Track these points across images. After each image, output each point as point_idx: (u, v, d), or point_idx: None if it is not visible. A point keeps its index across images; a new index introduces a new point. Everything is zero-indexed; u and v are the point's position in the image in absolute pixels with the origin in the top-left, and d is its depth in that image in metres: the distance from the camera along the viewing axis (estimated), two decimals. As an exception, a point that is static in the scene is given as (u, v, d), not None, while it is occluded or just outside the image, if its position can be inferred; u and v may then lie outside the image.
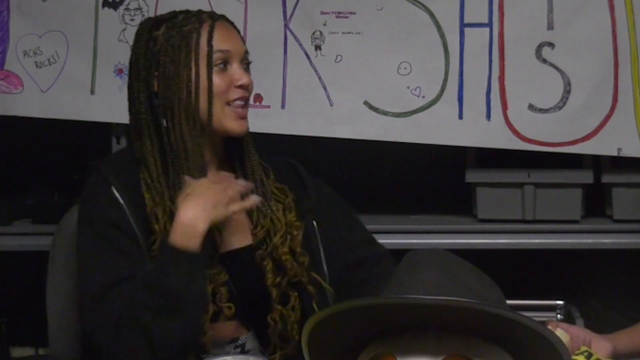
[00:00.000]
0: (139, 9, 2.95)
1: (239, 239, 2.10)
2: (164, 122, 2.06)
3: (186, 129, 2.05)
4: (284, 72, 2.93)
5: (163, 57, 2.05)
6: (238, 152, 2.15)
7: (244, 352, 2.07)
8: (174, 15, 2.11)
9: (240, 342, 2.09)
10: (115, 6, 2.96)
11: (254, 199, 2.06)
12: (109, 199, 2.04)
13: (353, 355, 1.49)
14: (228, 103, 2.07)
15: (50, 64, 2.99)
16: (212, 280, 2.01)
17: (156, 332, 1.91)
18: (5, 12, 2.99)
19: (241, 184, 2.06)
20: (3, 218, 3.11)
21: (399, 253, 1.67)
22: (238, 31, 2.15)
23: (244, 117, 2.10)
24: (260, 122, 2.84)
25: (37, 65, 2.99)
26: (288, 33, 2.92)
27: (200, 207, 1.96)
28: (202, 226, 1.95)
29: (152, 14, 2.92)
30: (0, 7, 2.99)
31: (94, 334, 1.98)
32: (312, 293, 2.10)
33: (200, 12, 2.12)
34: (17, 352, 3.36)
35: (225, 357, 1.80)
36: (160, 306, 1.90)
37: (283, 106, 2.93)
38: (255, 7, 2.91)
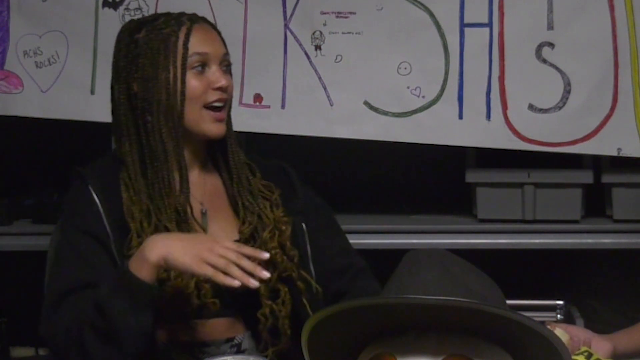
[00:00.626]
0: (139, 9, 2.95)
1: (227, 235, 2.10)
2: (143, 123, 2.07)
3: (165, 130, 2.07)
4: (284, 72, 2.93)
5: (142, 60, 2.08)
6: (222, 152, 2.16)
7: (240, 351, 2.07)
8: (155, 17, 2.14)
9: (236, 341, 2.09)
10: (115, 6, 2.96)
11: (235, 282, 1.91)
12: (85, 200, 2.06)
13: (353, 355, 1.49)
14: (205, 106, 2.08)
15: (50, 64, 2.99)
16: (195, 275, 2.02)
17: (93, 351, 1.91)
18: (5, 12, 2.99)
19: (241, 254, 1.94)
20: (3, 218, 3.11)
21: (399, 253, 1.67)
22: (219, 33, 2.16)
23: (221, 120, 2.11)
24: (260, 122, 2.85)
25: (37, 65, 2.99)
26: (288, 33, 2.92)
27: (163, 243, 1.92)
28: (152, 257, 1.89)
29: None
30: (0, 7, 2.99)
31: (47, 340, 2.00)
32: (302, 289, 2.10)
33: (181, 14, 2.13)
34: (17, 352, 3.36)
35: (225, 357, 1.80)
36: (101, 327, 1.90)
37: (283, 106, 2.93)
38: (255, 7, 2.91)
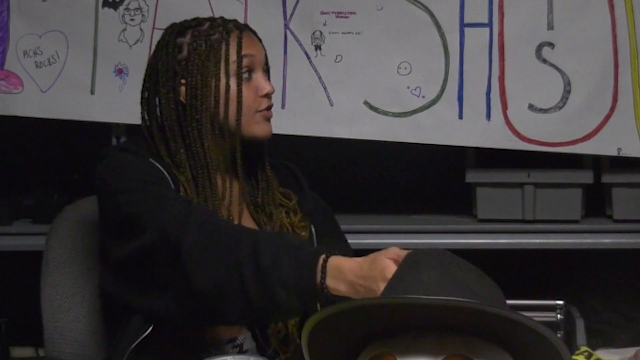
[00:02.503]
0: (139, 9, 2.95)
1: None
2: (192, 131, 2.05)
3: (212, 138, 2.05)
4: (284, 72, 2.93)
5: (190, 67, 2.05)
6: (260, 159, 2.16)
7: (242, 352, 2.07)
8: (199, 22, 2.10)
9: (238, 342, 2.09)
10: (115, 6, 2.96)
11: None
12: (152, 167, 2.01)
13: (353, 355, 1.49)
14: (257, 111, 2.09)
15: (50, 64, 2.99)
16: None
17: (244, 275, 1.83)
18: (5, 12, 2.99)
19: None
20: (3, 218, 3.11)
21: (399, 253, 1.67)
22: (260, 39, 2.15)
23: (269, 119, 2.12)
24: (260, 122, 2.84)
25: (37, 65, 2.99)
26: (288, 33, 2.92)
27: (353, 284, 1.80)
28: (341, 286, 1.80)
29: (152, 14, 2.93)
30: (0, 7, 2.99)
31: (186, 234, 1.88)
32: None
33: (225, 20, 2.11)
34: (17, 352, 3.37)
35: (225, 357, 1.80)
36: (261, 275, 1.81)
37: (283, 106, 2.93)
38: (255, 7, 2.91)
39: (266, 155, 2.17)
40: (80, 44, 2.97)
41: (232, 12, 2.85)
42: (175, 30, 2.10)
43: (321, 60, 2.91)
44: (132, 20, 2.95)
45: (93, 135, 3.07)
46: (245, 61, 2.06)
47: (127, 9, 2.96)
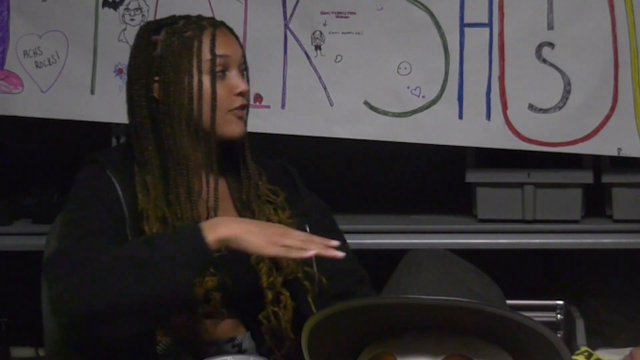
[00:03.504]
0: (139, 9, 2.95)
1: None
2: (164, 127, 2.05)
3: (186, 135, 2.05)
4: (284, 72, 2.93)
5: (164, 63, 2.05)
6: (241, 156, 2.15)
7: (241, 351, 2.07)
8: (174, 20, 2.11)
9: (237, 341, 2.09)
10: (115, 6, 2.96)
11: (309, 253, 1.91)
12: (103, 181, 2.04)
13: (353, 355, 1.49)
14: (229, 110, 2.08)
15: (50, 64, 2.99)
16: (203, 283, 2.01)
17: (117, 283, 1.85)
18: (5, 12, 3.00)
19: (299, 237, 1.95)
20: (3, 218, 3.11)
21: (399, 253, 1.67)
22: (237, 37, 2.14)
23: (242, 118, 2.10)
24: (260, 122, 2.85)
25: (37, 65, 3.00)
26: (288, 33, 2.92)
27: (239, 224, 1.92)
28: (224, 232, 1.89)
29: (152, 14, 2.92)
30: (0, 7, 2.99)
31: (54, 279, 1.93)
32: (308, 288, 2.10)
33: (200, 17, 2.11)
34: (17, 352, 3.37)
35: (225, 357, 1.80)
36: (142, 261, 1.86)
37: (283, 106, 2.93)
38: (255, 7, 2.91)
39: (247, 152, 2.15)
40: (80, 44, 2.97)
41: (232, 12, 2.86)
42: (150, 28, 2.11)
43: (321, 60, 2.91)
44: (132, 20, 2.95)
45: (93, 135, 3.07)
46: (218, 61, 2.06)
47: (127, 9, 2.96)
